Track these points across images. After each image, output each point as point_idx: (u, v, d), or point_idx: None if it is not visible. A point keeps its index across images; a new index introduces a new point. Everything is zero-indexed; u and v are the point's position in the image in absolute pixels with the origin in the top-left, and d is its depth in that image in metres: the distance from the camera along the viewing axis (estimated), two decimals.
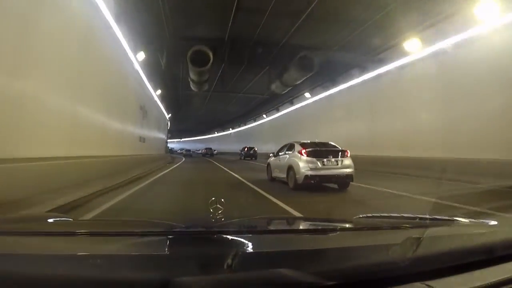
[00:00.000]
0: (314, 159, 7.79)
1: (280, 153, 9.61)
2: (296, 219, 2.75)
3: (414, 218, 1.56)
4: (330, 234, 1.36)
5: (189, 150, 50.24)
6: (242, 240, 1.18)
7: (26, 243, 1.06)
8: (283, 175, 8.72)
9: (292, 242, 1.21)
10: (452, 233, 1.29)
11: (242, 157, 32.65)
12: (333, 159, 7.89)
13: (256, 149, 32.95)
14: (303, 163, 7.80)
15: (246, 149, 33.16)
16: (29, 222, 1.37)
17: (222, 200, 1.51)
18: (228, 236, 1.18)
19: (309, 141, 8.84)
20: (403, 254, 0.88)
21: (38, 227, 1.36)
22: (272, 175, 9.86)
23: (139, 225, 1.64)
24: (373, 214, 1.74)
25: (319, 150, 8.18)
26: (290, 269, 0.76)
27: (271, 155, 10.39)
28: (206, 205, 1.52)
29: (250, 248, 1.08)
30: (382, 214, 1.78)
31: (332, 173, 7.83)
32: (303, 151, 8.02)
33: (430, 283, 0.82)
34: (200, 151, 56.81)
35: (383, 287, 0.81)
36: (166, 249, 1.11)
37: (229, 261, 0.80)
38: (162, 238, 1.23)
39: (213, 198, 1.51)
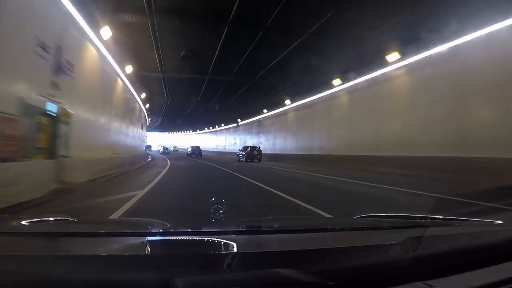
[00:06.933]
0: None
1: None
2: (295, 219, 2.74)
3: (415, 218, 1.55)
4: (330, 234, 1.35)
5: (166, 148, 51.90)
6: (242, 240, 1.17)
7: (26, 243, 1.06)
8: None
9: (292, 242, 1.21)
10: (452, 232, 1.29)
11: (243, 159, 25.45)
12: None
13: (260, 148, 26.51)
14: None
15: (249, 149, 26.27)
16: (30, 222, 1.37)
17: (223, 200, 1.51)
18: (228, 236, 1.18)
19: None
20: (404, 253, 0.87)
21: (38, 227, 1.36)
22: None
23: (139, 225, 1.64)
24: (373, 214, 1.74)
25: None
26: (290, 269, 0.76)
27: None
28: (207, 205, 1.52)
29: (249, 248, 1.07)
30: (382, 214, 1.78)
31: None
32: None
33: (431, 282, 0.82)
34: (176, 148, 58.33)
35: (384, 286, 0.81)
36: (167, 249, 1.11)
37: (229, 261, 0.80)
38: (162, 239, 1.23)
39: (213, 199, 1.51)
